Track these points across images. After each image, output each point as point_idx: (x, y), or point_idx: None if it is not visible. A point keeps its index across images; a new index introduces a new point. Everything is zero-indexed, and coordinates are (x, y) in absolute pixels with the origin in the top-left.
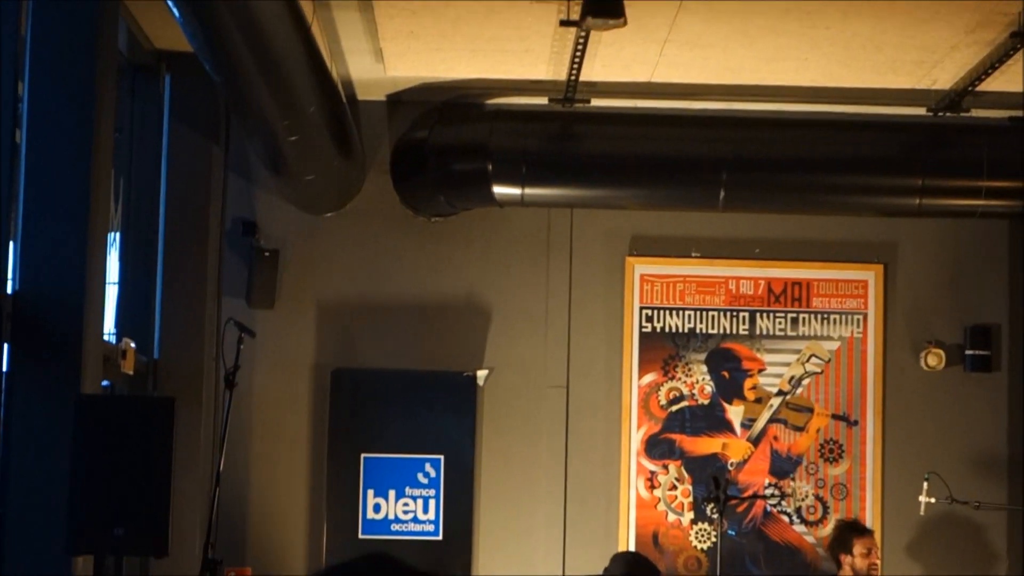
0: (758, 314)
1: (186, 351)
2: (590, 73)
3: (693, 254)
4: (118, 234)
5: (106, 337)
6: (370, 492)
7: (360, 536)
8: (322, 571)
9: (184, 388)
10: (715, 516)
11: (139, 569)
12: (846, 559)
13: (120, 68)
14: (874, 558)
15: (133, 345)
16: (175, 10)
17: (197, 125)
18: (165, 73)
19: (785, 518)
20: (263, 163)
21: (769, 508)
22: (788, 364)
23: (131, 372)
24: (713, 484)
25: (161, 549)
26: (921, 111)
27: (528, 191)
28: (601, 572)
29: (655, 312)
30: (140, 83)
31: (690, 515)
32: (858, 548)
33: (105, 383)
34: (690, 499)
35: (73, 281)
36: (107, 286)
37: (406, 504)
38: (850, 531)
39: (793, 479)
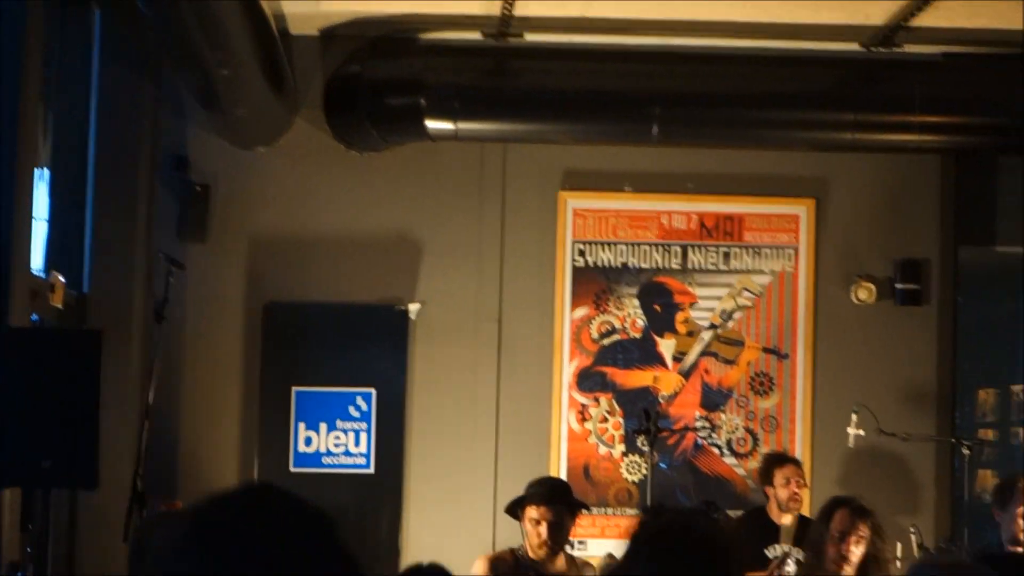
0: (690, 248)
1: (116, 285)
2: (524, 8)
3: (626, 188)
4: (47, 169)
5: (35, 272)
6: (301, 425)
7: (291, 469)
8: (203, 503)
9: (114, 322)
10: (646, 448)
11: (68, 502)
12: (770, 490)
13: (49, 1)
14: (794, 487)
15: (62, 279)
16: None
17: (128, 59)
18: (95, 7)
19: (715, 450)
20: (195, 98)
21: (700, 440)
22: (720, 298)
23: (60, 306)
24: (644, 417)
25: (89, 481)
26: (854, 46)
27: (461, 126)
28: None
29: (587, 246)
30: (70, 16)
31: (621, 447)
32: (778, 478)
33: (34, 317)
34: (621, 432)
35: None
36: (36, 221)
37: (337, 437)
38: (772, 462)
39: (723, 412)
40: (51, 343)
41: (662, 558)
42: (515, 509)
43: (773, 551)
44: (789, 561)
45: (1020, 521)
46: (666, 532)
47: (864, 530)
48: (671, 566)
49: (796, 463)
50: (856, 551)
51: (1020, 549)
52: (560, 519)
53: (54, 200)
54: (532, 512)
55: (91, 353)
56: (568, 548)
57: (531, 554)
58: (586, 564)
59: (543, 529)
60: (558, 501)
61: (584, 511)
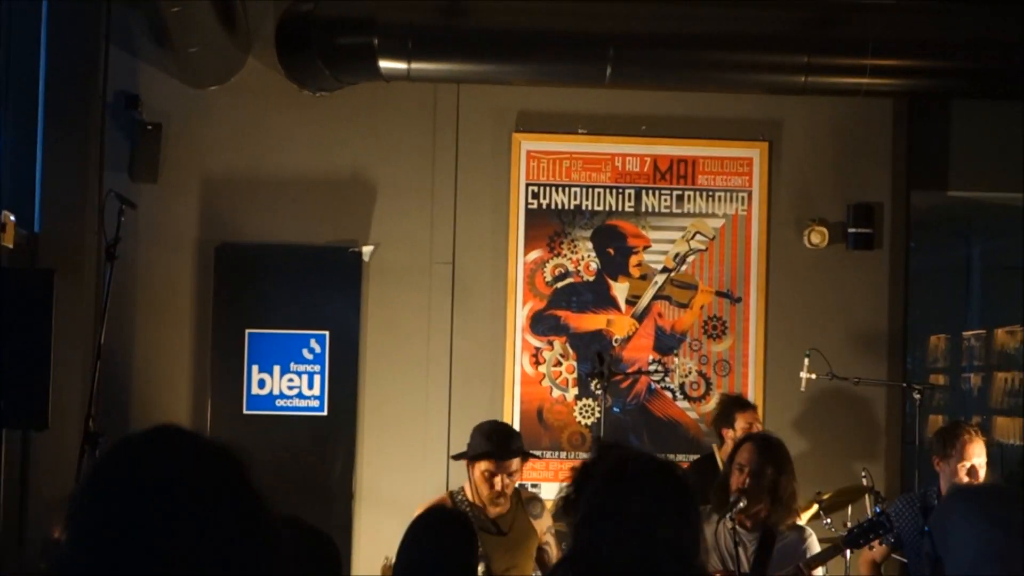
0: (644, 191)
1: (67, 224)
2: None
3: (580, 131)
4: None
5: None
6: (255, 368)
7: (245, 411)
8: (116, 444)
9: (65, 261)
10: (599, 392)
11: (20, 443)
12: (728, 433)
13: None
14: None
15: (13, 218)
16: None
17: None
18: None
19: (668, 394)
20: (146, 35)
21: (653, 384)
22: (673, 241)
23: (11, 246)
24: (597, 360)
25: (40, 422)
26: None
27: (415, 66)
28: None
29: (541, 188)
30: None
31: (574, 391)
32: (740, 423)
33: None
34: (574, 375)
35: None
36: None
37: (291, 380)
38: (734, 405)
39: (676, 355)
40: (2, 283)
41: (637, 490)
42: (471, 460)
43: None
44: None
45: (962, 475)
46: (630, 464)
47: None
48: (646, 497)
49: (755, 408)
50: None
51: None
52: (513, 472)
53: (3, 139)
54: (486, 466)
55: (43, 293)
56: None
57: (472, 497)
58: (533, 498)
59: (498, 482)
60: (514, 454)
61: (535, 458)
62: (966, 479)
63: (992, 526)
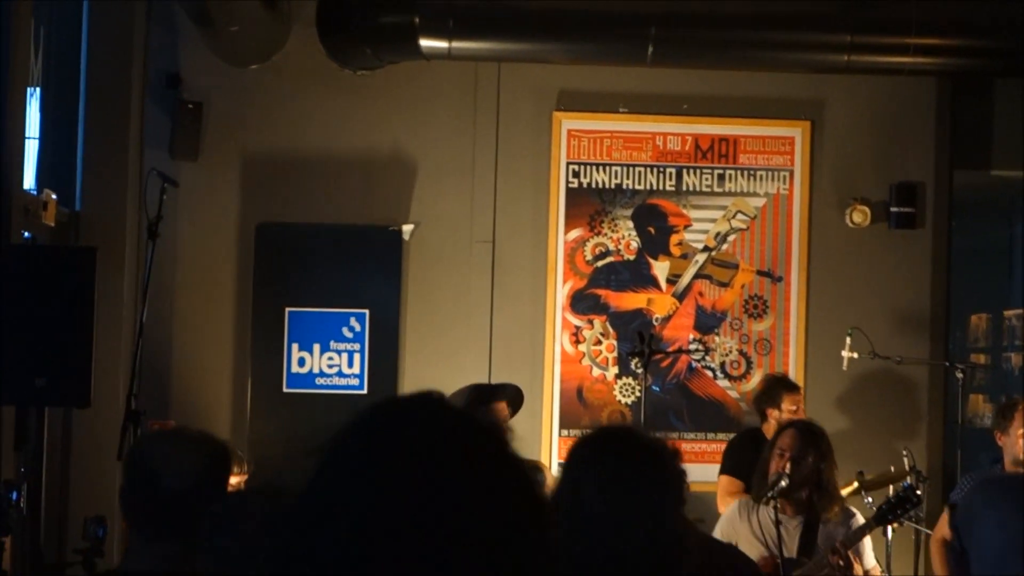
0: (685, 170)
1: (109, 203)
2: None
3: (620, 109)
4: (39, 88)
5: (28, 190)
6: (295, 346)
7: (285, 390)
8: (375, 406)
9: (107, 240)
10: (639, 371)
11: (62, 421)
12: (773, 413)
13: None
14: (800, 414)
15: (55, 197)
16: None
17: None
18: None
19: (709, 373)
20: (187, 14)
21: (693, 363)
22: (714, 220)
23: (52, 224)
24: (638, 339)
25: (83, 400)
26: None
27: (455, 44)
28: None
29: (582, 167)
30: None
31: (615, 370)
32: (787, 404)
33: (27, 235)
34: (615, 354)
35: None
36: (28, 140)
37: (331, 358)
38: (781, 386)
39: (717, 334)
40: (45, 261)
41: (606, 460)
42: (488, 400)
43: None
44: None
45: (1022, 442)
46: (610, 438)
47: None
48: (616, 467)
49: (800, 390)
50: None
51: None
52: (503, 418)
53: (46, 118)
54: (503, 408)
55: (85, 271)
56: None
57: None
58: (534, 465)
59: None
60: (499, 397)
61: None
62: None
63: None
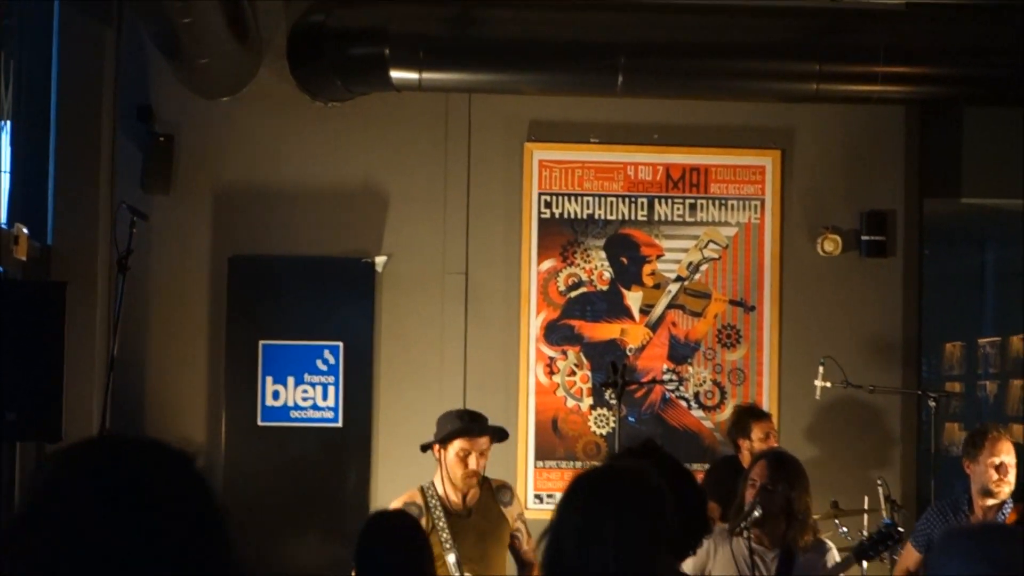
0: (656, 200)
1: (80, 237)
2: None
3: (592, 140)
4: (9, 122)
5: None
6: (269, 379)
7: (259, 423)
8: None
9: (79, 274)
10: (613, 401)
11: (35, 456)
12: (744, 443)
13: None
14: (772, 442)
15: (26, 231)
16: None
17: (89, 7)
18: None
19: (683, 403)
20: (157, 47)
21: (667, 394)
22: (686, 250)
23: (24, 258)
24: (611, 370)
25: (54, 434)
26: None
27: (426, 76)
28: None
29: (553, 198)
30: None
31: (589, 400)
32: (756, 432)
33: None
34: (589, 385)
35: None
36: None
37: (305, 391)
38: (749, 416)
39: (691, 364)
40: (15, 295)
41: (583, 506)
42: (440, 443)
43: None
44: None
45: (991, 472)
46: (592, 478)
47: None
48: (590, 512)
49: (770, 417)
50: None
51: (990, 500)
52: (486, 449)
53: (16, 152)
54: (461, 444)
55: (55, 305)
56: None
57: (451, 487)
58: (503, 486)
59: (472, 460)
60: (485, 431)
61: (503, 438)
62: (995, 475)
63: (986, 565)
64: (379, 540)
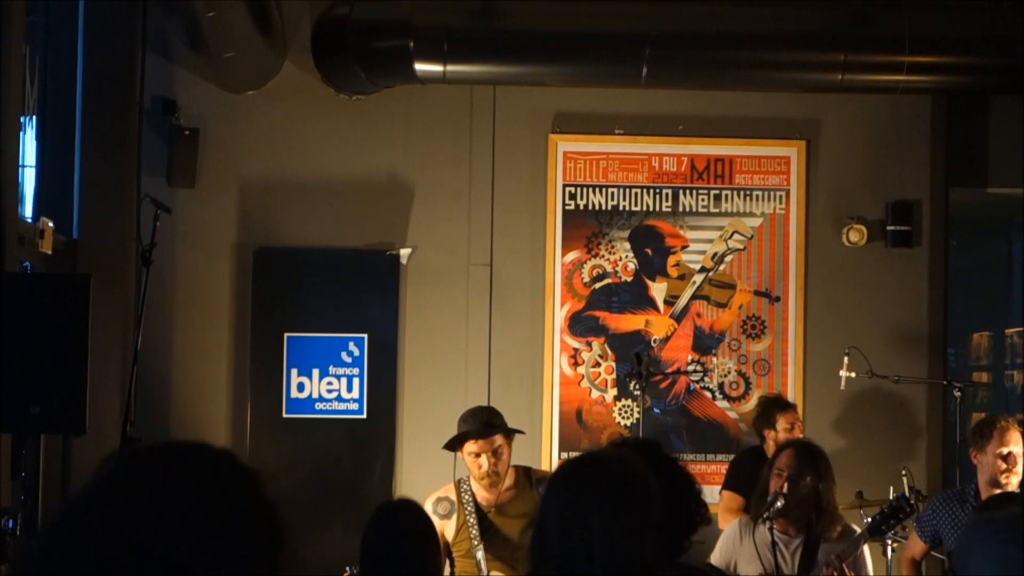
0: (681, 191)
1: (106, 230)
2: None
3: (616, 131)
4: (35, 117)
5: (25, 219)
6: (294, 371)
7: (284, 415)
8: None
9: (104, 267)
10: (638, 392)
11: (61, 449)
12: (770, 434)
13: None
14: (797, 432)
15: (51, 225)
16: None
17: (114, 3)
18: None
19: (708, 394)
20: (182, 41)
21: (692, 384)
22: (711, 241)
23: (50, 252)
24: (636, 361)
25: (78, 427)
26: None
27: (450, 68)
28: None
29: (578, 189)
30: None
31: (613, 392)
32: (782, 423)
33: (26, 264)
34: (613, 376)
35: None
36: (24, 168)
37: (330, 383)
38: (774, 406)
39: (715, 355)
40: (40, 289)
41: (566, 491)
42: (454, 446)
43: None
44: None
45: (999, 462)
46: (575, 465)
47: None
48: (574, 497)
49: (795, 408)
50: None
51: (997, 491)
52: (498, 448)
53: (42, 146)
54: (471, 447)
55: (80, 298)
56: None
57: (474, 483)
58: (543, 477)
59: (483, 461)
60: (493, 431)
61: (520, 434)
62: (1003, 465)
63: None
64: (381, 530)
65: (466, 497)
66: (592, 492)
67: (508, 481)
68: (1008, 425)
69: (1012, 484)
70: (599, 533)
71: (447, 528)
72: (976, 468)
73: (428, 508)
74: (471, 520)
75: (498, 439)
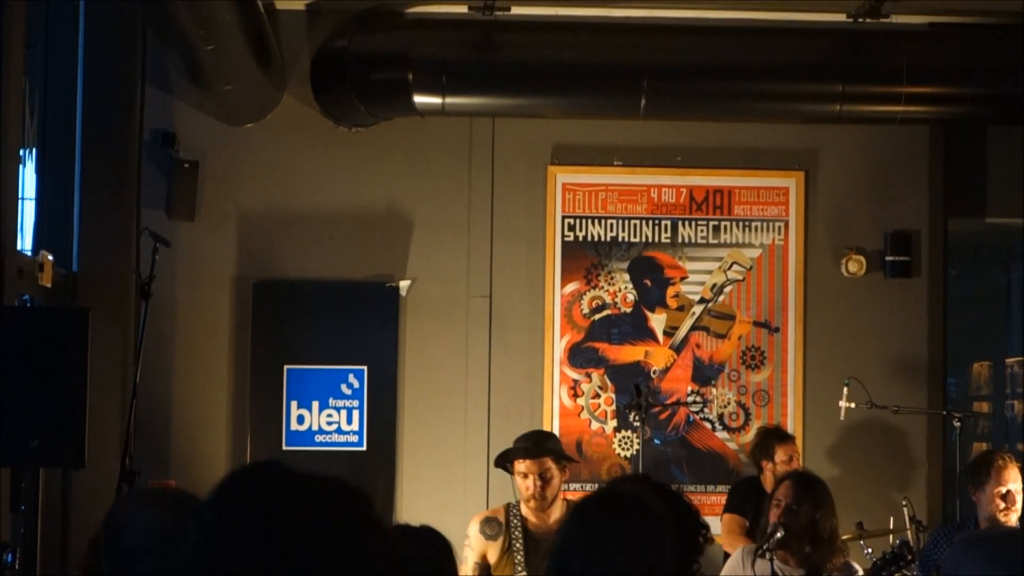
0: (680, 222)
1: (105, 264)
2: None
3: (615, 163)
4: (34, 149)
5: (24, 252)
6: (293, 404)
7: (284, 448)
8: (221, 485)
9: (104, 300)
10: (638, 424)
11: (61, 483)
12: (768, 465)
13: None
14: (796, 464)
15: (51, 258)
16: None
17: (113, 35)
18: None
19: (708, 425)
20: (181, 73)
21: (692, 415)
22: (710, 272)
23: (49, 285)
24: (636, 392)
25: (77, 460)
26: (841, 17)
27: (449, 100)
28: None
29: (577, 221)
30: None
31: (613, 423)
32: (780, 454)
33: (25, 297)
34: (613, 407)
35: None
36: (24, 201)
37: (330, 415)
38: (772, 437)
39: (715, 386)
40: (39, 322)
41: (590, 524)
42: (504, 463)
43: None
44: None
45: (997, 501)
46: (597, 500)
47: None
48: (597, 530)
49: (794, 439)
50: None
51: None
52: (546, 471)
53: (42, 179)
54: (519, 466)
55: (79, 332)
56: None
57: (523, 508)
58: None
59: (530, 483)
60: (543, 453)
61: (571, 462)
62: (1001, 504)
63: (999, 569)
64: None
65: (515, 521)
66: (616, 525)
67: (556, 513)
68: (1005, 463)
69: (1011, 522)
70: (623, 569)
71: (491, 550)
72: (975, 505)
73: (475, 527)
74: (517, 545)
75: (548, 462)
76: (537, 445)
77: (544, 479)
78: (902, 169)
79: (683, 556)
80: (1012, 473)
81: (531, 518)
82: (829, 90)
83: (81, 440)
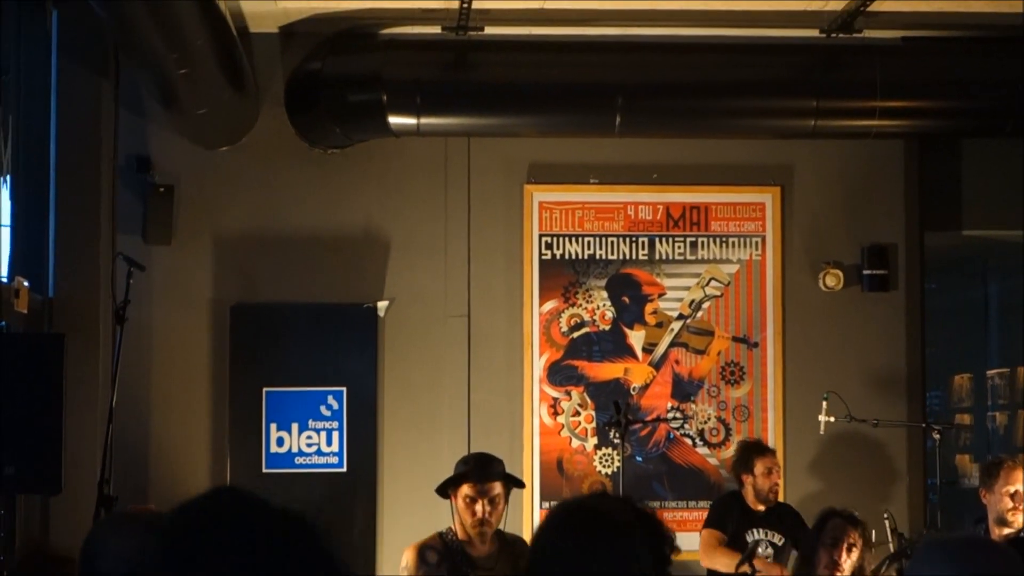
0: (657, 239)
1: (81, 289)
2: (483, 1)
3: (591, 180)
4: (8, 177)
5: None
6: (273, 426)
7: (264, 470)
8: (171, 512)
9: (80, 326)
10: (618, 441)
11: (39, 508)
12: (748, 479)
13: (4, 3)
14: (775, 477)
15: (27, 284)
16: None
17: (86, 60)
18: (52, 8)
19: (688, 441)
20: (154, 97)
21: (672, 432)
22: (688, 288)
23: (25, 311)
24: (615, 409)
25: (54, 486)
26: (814, 33)
27: (424, 121)
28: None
29: (554, 239)
30: (26, 19)
31: (594, 440)
32: (759, 468)
33: (2, 324)
34: (593, 425)
35: None
36: None
37: (309, 437)
38: (751, 451)
39: (695, 402)
40: (14, 348)
41: (562, 534)
42: (447, 488)
43: (752, 535)
44: (761, 547)
45: (1007, 500)
46: (568, 510)
47: (855, 538)
48: (571, 540)
49: (774, 452)
50: (847, 558)
51: (1007, 530)
52: (496, 496)
53: (16, 206)
54: (467, 490)
55: (54, 357)
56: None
57: (461, 535)
58: (517, 539)
59: (479, 507)
60: (494, 477)
61: (521, 487)
62: (1010, 504)
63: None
64: None
65: (454, 548)
66: (591, 540)
67: (489, 538)
68: (1015, 464)
69: (1019, 522)
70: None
71: None
72: (986, 508)
73: (412, 557)
74: (464, 570)
75: (497, 487)
76: (484, 468)
77: (492, 504)
78: (877, 183)
79: (656, 564)
80: (1021, 474)
81: (471, 545)
82: (803, 105)
83: (57, 466)
